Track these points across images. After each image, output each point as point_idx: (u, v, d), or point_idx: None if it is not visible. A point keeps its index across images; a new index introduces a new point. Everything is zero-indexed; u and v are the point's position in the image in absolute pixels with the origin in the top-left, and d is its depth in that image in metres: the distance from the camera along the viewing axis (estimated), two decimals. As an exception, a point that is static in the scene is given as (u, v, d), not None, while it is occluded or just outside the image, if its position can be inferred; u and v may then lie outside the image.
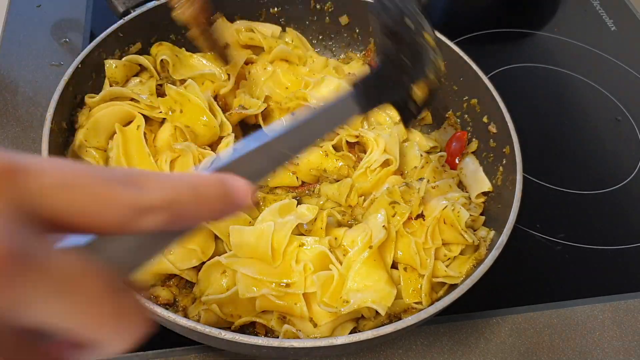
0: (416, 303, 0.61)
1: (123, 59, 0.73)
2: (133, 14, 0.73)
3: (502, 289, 0.72)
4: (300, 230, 0.64)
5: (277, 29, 0.84)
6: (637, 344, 0.70)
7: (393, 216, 0.64)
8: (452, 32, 1.03)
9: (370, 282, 0.59)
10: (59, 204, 0.21)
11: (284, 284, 0.59)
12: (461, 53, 0.76)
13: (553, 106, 0.97)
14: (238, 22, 0.82)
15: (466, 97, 0.78)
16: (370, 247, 0.60)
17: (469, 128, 0.78)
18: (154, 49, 0.76)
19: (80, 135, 0.67)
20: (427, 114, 0.83)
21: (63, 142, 0.66)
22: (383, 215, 0.63)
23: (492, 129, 0.74)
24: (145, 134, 0.68)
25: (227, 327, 0.59)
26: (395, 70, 0.50)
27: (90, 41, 0.71)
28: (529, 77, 1.00)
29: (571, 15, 1.13)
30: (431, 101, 0.53)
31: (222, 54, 0.74)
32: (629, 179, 0.87)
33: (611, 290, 0.75)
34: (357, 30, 0.86)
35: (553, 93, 0.99)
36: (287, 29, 0.85)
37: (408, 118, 0.54)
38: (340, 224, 0.67)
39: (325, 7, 0.84)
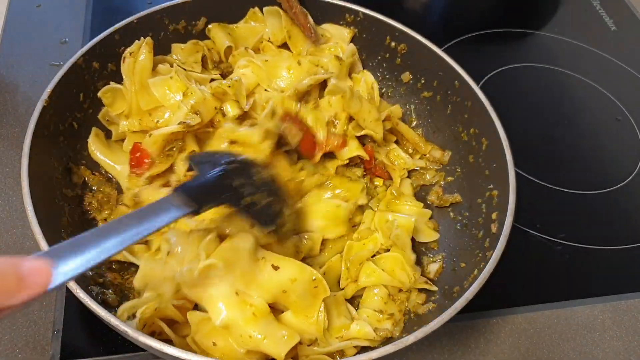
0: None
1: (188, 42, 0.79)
2: None
3: (502, 289, 0.72)
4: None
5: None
6: (637, 344, 0.70)
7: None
8: (452, 32, 1.04)
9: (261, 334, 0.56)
10: None
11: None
12: (452, 63, 0.74)
13: (553, 106, 0.97)
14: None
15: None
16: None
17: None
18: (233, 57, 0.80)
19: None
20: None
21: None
22: None
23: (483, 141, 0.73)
24: None
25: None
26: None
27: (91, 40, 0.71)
28: (529, 77, 1.00)
29: (571, 15, 1.13)
30: None
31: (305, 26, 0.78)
32: (629, 179, 0.87)
33: (611, 290, 0.75)
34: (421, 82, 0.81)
35: (553, 93, 0.99)
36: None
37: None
38: None
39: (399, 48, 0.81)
